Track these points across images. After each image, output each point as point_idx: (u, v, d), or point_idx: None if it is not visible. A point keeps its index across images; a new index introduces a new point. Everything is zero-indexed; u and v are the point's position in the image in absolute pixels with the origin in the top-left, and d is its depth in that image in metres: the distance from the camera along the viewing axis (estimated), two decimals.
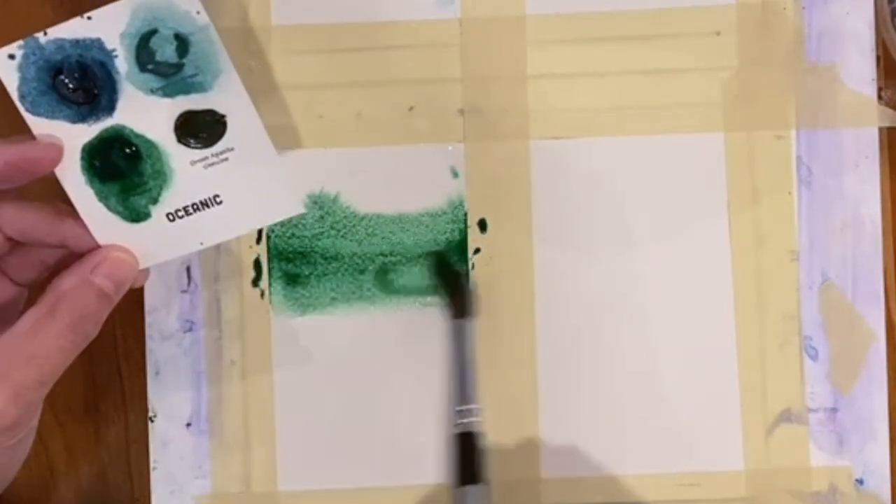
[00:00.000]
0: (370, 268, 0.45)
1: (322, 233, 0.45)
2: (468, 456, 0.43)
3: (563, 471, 0.45)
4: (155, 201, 0.38)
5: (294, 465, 0.45)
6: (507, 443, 0.45)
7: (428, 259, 0.44)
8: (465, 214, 0.45)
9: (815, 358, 0.45)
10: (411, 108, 0.45)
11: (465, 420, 0.43)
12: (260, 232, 0.45)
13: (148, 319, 0.45)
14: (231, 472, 0.45)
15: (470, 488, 0.42)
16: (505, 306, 0.45)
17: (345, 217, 0.45)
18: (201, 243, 0.39)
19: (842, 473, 0.45)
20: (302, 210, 0.40)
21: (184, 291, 0.45)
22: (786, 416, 0.45)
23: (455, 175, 0.45)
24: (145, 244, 0.39)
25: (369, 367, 0.45)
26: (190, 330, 0.45)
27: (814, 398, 0.45)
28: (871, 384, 0.45)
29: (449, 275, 0.44)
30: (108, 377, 0.45)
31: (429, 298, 0.45)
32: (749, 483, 0.45)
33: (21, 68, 0.37)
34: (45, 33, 0.37)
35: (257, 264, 0.45)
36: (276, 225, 0.45)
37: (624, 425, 0.45)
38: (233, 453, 0.45)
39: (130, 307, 0.45)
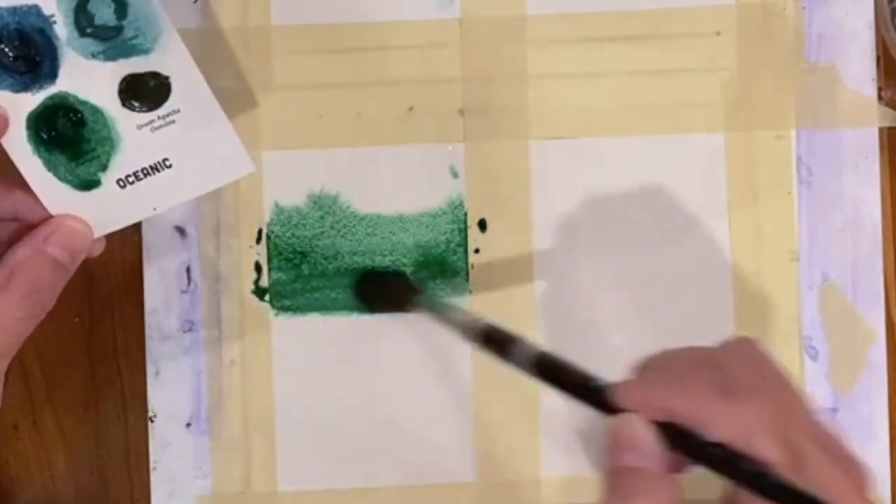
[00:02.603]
0: (370, 268, 0.45)
1: (322, 233, 0.45)
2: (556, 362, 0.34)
3: (563, 471, 0.45)
4: (104, 168, 0.38)
5: (294, 465, 0.45)
6: (507, 442, 0.45)
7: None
8: (465, 214, 0.45)
9: (815, 358, 0.45)
10: (411, 108, 0.45)
11: (532, 348, 0.35)
12: (260, 232, 0.45)
13: (148, 319, 0.45)
14: (231, 472, 0.45)
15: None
16: (504, 306, 0.45)
17: (345, 217, 0.45)
18: (154, 208, 0.38)
19: None
20: (252, 168, 0.39)
21: (184, 291, 0.45)
22: None
23: (455, 175, 0.45)
24: (98, 212, 0.38)
25: (369, 367, 0.45)
26: (190, 330, 0.45)
27: (814, 398, 0.45)
28: (871, 384, 0.45)
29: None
30: (108, 377, 0.45)
31: None
32: None
33: None
34: None
35: (257, 265, 0.45)
36: (275, 225, 0.45)
37: None
38: (233, 453, 0.45)
39: (130, 307, 0.45)
